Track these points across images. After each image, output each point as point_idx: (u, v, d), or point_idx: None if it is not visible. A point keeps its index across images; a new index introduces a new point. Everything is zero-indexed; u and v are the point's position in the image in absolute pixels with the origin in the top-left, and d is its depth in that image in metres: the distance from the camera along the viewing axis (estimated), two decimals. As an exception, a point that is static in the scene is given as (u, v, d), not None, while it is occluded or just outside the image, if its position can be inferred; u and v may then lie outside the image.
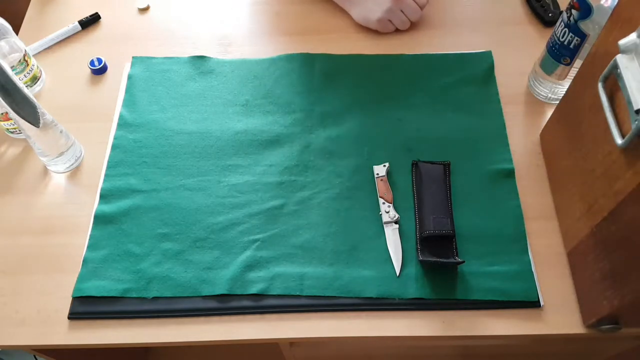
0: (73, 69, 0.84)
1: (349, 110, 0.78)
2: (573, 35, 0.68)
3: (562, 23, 0.69)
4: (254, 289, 0.64)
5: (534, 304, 0.63)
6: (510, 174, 0.72)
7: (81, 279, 0.65)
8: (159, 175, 0.73)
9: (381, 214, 0.69)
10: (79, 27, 0.88)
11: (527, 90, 0.80)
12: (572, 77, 0.66)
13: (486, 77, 0.81)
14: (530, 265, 0.65)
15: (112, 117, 0.78)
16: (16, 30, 0.82)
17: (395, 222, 0.68)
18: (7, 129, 0.76)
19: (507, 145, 0.74)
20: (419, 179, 0.71)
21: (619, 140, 0.50)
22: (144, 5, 0.91)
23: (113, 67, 0.84)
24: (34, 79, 0.80)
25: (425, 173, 0.71)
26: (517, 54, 0.84)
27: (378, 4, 0.83)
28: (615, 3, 0.54)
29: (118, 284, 0.65)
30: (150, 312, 0.64)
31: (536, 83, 0.78)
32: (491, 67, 0.81)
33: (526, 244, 0.67)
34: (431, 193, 0.69)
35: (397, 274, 0.65)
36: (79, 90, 0.82)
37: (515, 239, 0.67)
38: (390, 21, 0.84)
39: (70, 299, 0.65)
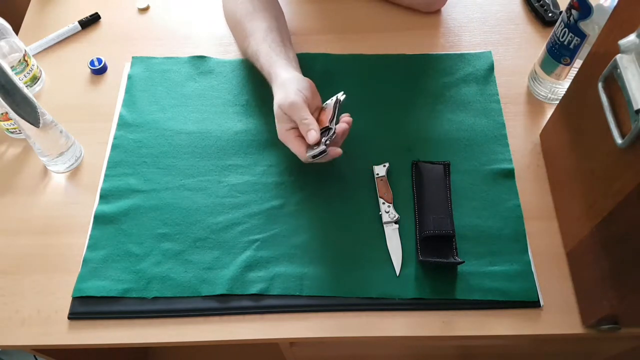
0: (73, 69, 0.84)
1: (348, 110, 0.78)
2: (573, 35, 0.68)
3: (562, 23, 0.69)
4: (254, 289, 0.64)
5: (534, 304, 0.63)
6: (510, 174, 0.72)
7: (81, 279, 0.65)
8: (159, 175, 0.73)
9: (381, 214, 0.69)
10: (79, 27, 0.88)
11: (527, 90, 0.80)
12: (572, 77, 0.66)
13: (486, 77, 0.81)
14: (530, 265, 0.65)
15: (112, 117, 0.78)
16: (16, 30, 0.82)
17: (395, 222, 0.68)
18: (7, 129, 0.76)
19: (507, 145, 0.74)
20: (419, 179, 0.71)
21: (619, 140, 0.50)
22: (144, 5, 0.91)
23: (113, 67, 0.84)
24: (34, 79, 0.80)
25: (425, 173, 0.71)
26: (517, 54, 0.84)
27: None
28: (615, 3, 0.54)
29: (118, 284, 0.65)
30: (150, 312, 0.64)
31: (536, 83, 0.78)
32: (491, 67, 0.81)
33: (526, 244, 0.67)
34: (431, 193, 0.69)
35: (397, 274, 0.65)
36: (79, 90, 0.82)
37: (515, 239, 0.67)
38: None
39: (70, 299, 0.65)
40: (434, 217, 0.67)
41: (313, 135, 0.64)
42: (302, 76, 0.70)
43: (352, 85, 0.80)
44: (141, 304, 0.64)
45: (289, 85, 0.67)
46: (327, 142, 0.65)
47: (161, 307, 0.64)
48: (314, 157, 0.65)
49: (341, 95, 0.69)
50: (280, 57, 0.71)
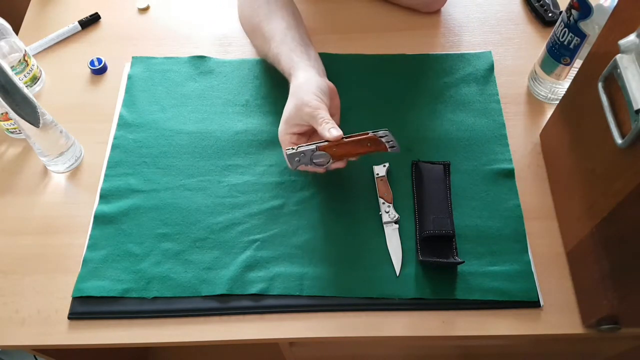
0: (73, 69, 0.84)
1: (348, 110, 0.78)
2: (573, 35, 0.68)
3: (562, 23, 0.69)
4: (253, 289, 0.64)
5: (534, 304, 0.63)
6: (510, 174, 0.72)
7: (81, 279, 0.65)
8: (159, 175, 0.73)
9: (381, 214, 0.69)
10: (79, 27, 0.88)
11: (527, 90, 0.80)
12: (572, 77, 0.66)
13: (486, 77, 0.81)
14: (530, 265, 0.65)
15: (112, 117, 0.78)
16: (16, 30, 0.82)
17: (395, 222, 0.68)
18: (7, 129, 0.76)
19: (507, 145, 0.74)
20: (419, 179, 0.71)
21: (619, 140, 0.50)
22: (144, 5, 0.91)
23: (113, 67, 0.84)
24: (34, 79, 0.80)
25: (425, 173, 0.71)
26: (517, 54, 0.84)
27: None
28: (615, 3, 0.54)
29: (118, 284, 0.65)
30: (150, 312, 0.64)
31: (536, 83, 0.78)
32: (491, 67, 0.81)
33: (526, 244, 0.67)
34: (431, 193, 0.69)
35: (397, 274, 0.65)
36: (79, 90, 0.82)
37: (515, 239, 0.67)
38: None
39: (70, 299, 0.65)
40: (434, 217, 0.67)
41: (334, 132, 0.62)
42: (320, 78, 0.68)
43: (352, 86, 0.80)
44: (141, 304, 0.64)
45: (305, 88, 0.65)
46: (302, 156, 0.64)
47: (161, 307, 0.64)
48: (290, 157, 0.65)
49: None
50: (302, 58, 0.70)
